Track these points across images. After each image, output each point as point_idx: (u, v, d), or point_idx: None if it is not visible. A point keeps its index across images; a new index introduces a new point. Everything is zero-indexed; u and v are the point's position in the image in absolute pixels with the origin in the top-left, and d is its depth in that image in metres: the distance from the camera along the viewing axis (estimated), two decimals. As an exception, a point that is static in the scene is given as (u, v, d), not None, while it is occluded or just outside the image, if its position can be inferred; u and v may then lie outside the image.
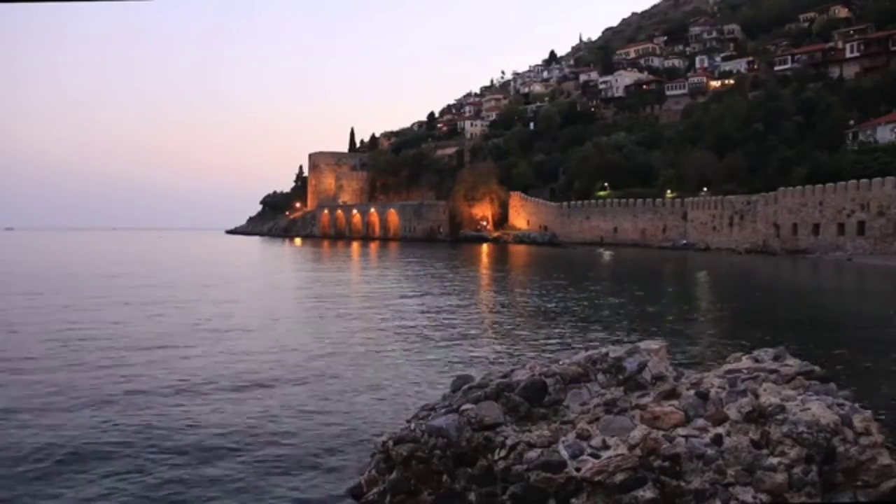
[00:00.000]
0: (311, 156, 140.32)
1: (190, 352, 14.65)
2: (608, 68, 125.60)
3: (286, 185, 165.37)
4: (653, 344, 6.12)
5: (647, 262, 54.16)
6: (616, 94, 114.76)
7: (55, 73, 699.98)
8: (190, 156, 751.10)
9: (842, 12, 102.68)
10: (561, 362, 6.00)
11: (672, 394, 5.39)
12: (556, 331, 17.84)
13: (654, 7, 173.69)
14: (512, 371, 6.08)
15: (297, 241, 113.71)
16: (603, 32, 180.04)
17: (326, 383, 11.87)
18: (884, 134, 65.74)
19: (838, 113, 72.43)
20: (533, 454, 5.12)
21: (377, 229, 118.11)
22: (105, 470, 7.54)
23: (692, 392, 5.38)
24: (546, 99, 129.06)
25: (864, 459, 4.81)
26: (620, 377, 5.69)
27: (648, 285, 33.22)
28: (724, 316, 22.18)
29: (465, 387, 6.05)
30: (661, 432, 5.01)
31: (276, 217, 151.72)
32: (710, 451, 4.85)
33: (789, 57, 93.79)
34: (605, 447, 5.02)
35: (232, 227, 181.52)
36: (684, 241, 74.18)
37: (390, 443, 5.64)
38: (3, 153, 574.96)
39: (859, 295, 31.14)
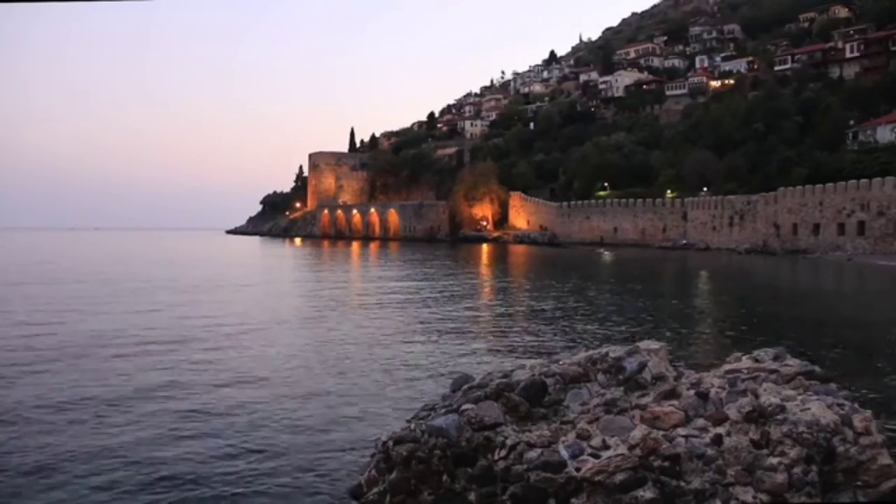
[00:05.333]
0: (311, 156, 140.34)
1: (190, 351, 14.65)
2: (608, 68, 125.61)
3: (286, 185, 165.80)
4: (653, 344, 6.11)
5: (647, 262, 54.16)
6: (616, 94, 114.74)
7: (55, 71, 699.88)
8: (190, 155, 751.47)
9: (842, 12, 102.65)
10: (561, 362, 5.99)
11: (672, 394, 5.39)
12: (557, 331, 17.84)
13: (654, 7, 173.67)
14: (512, 371, 6.08)
15: (297, 241, 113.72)
16: (603, 32, 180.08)
17: (326, 383, 11.87)
18: (884, 134, 65.73)
19: (838, 113, 72.42)
20: (533, 454, 5.12)
21: (377, 229, 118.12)
22: (104, 469, 7.54)
23: (692, 392, 5.38)
24: (546, 99, 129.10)
25: (864, 459, 4.81)
26: (620, 377, 5.68)
27: (648, 285, 33.22)
28: (724, 316, 22.18)
29: (465, 387, 6.04)
30: (661, 432, 5.00)
31: (277, 217, 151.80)
32: (710, 451, 4.85)
33: (789, 57, 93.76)
34: (605, 447, 5.02)
35: (232, 227, 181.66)
36: (684, 241, 74.18)
37: (390, 443, 5.63)
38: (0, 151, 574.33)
39: (859, 295, 31.13)
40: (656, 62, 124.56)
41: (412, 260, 55.40)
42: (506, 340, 16.48)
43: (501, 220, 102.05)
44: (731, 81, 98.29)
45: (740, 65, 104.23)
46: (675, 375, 5.77)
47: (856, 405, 5.17)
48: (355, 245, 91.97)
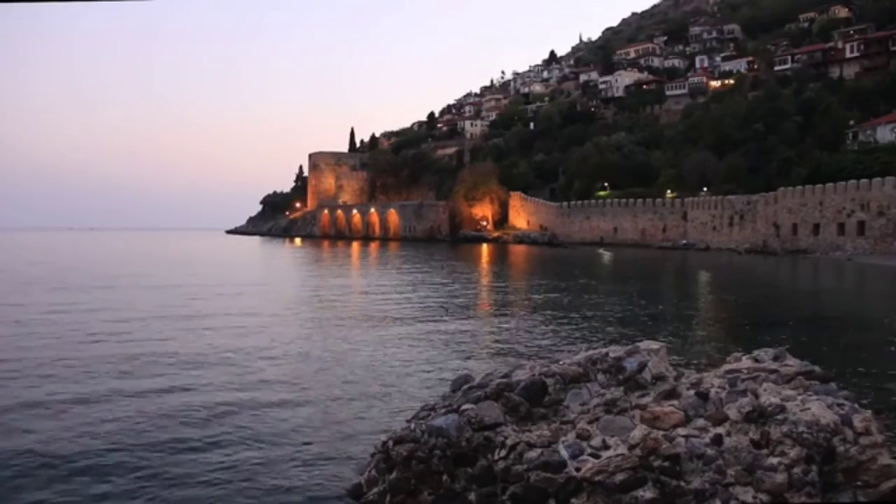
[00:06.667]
0: (311, 156, 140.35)
1: (189, 351, 14.65)
2: (608, 68, 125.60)
3: (286, 185, 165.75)
4: (653, 344, 6.12)
5: (648, 262, 54.15)
6: (616, 94, 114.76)
7: (56, 71, 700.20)
8: (190, 155, 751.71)
9: (842, 12, 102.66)
10: (561, 362, 5.99)
11: (672, 394, 5.39)
12: (557, 331, 17.84)
13: (654, 7, 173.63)
14: (512, 371, 6.08)
15: (297, 241, 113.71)
16: (603, 32, 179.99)
17: (326, 383, 11.87)
18: (884, 134, 65.71)
19: (838, 113, 72.38)
20: (533, 454, 5.12)
21: (377, 229, 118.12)
22: (103, 471, 7.54)
23: (692, 392, 5.38)
24: (546, 99, 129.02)
25: (864, 459, 4.81)
26: (620, 377, 5.68)
27: (648, 285, 33.22)
28: (724, 316, 22.18)
29: (465, 387, 6.04)
30: (661, 432, 5.01)
31: (277, 217, 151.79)
32: (710, 451, 4.85)
33: (789, 57, 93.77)
34: (605, 447, 5.02)
35: (232, 227, 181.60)
36: (684, 241, 74.16)
37: (390, 443, 5.64)
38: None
39: (859, 295, 31.13)
40: (656, 62, 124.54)
41: (412, 260, 55.40)
42: (506, 340, 16.49)
43: (501, 220, 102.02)
44: (731, 81, 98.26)
45: (740, 65, 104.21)
46: (675, 375, 5.78)
47: (856, 405, 5.17)
48: (355, 245, 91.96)
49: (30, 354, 14.12)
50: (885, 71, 76.96)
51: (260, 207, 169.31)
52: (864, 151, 64.17)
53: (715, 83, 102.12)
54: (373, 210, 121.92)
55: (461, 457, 5.31)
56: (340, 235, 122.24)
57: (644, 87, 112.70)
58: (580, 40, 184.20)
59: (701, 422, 5.10)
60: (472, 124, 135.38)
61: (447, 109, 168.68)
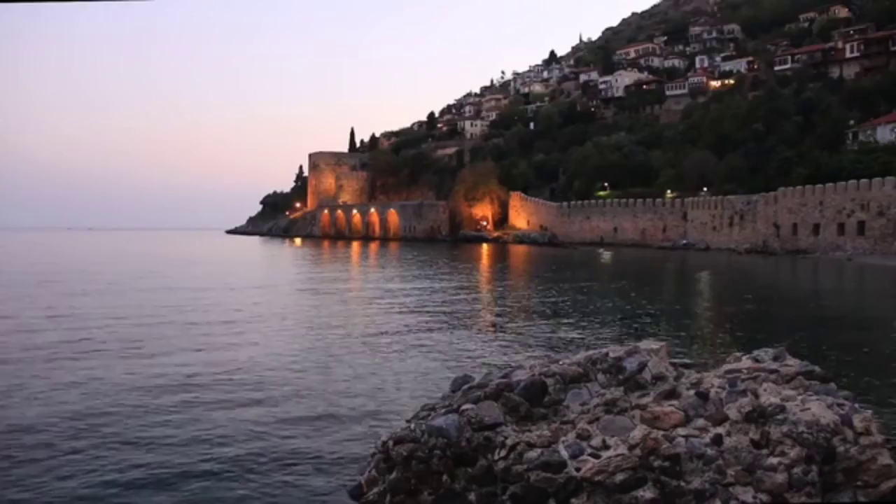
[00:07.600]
0: (311, 156, 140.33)
1: (188, 350, 14.65)
2: (608, 68, 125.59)
3: (286, 185, 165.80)
4: (653, 344, 6.12)
5: (648, 262, 54.15)
6: (616, 94, 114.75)
7: (55, 71, 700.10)
8: (190, 155, 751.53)
9: (842, 12, 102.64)
10: (561, 362, 5.99)
11: (672, 394, 5.39)
12: (556, 331, 17.84)
13: (654, 7, 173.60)
14: (512, 371, 6.07)
15: (297, 241, 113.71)
16: (603, 32, 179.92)
17: (326, 383, 11.87)
18: (884, 134, 65.70)
19: (838, 113, 72.37)
20: (533, 454, 5.12)
21: (377, 229, 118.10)
22: (103, 469, 7.55)
23: (692, 392, 5.38)
24: (546, 99, 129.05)
25: (864, 459, 4.81)
26: (620, 377, 5.68)
27: (649, 285, 33.21)
28: (724, 316, 22.17)
29: (465, 387, 6.03)
30: (661, 432, 5.00)
31: (277, 217, 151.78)
32: (710, 451, 4.85)
33: (789, 57, 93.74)
34: (605, 447, 5.02)
35: (232, 227, 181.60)
36: (684, 241, 74.15)
37: (390, 443, 5.63)
38: None
39: (859, 295, 31.13)
40: (656, 62, 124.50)
41: (412, 260, 55.40)
42: (506, 340, 16.48)
43: (501, 220, 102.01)
44: (731, 81, 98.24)
45: (740, 65, 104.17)
46: (675, 375, 5.78)
47: (856, 405, 5.17)
48: (355, 245, 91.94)
49: (30, 358, 14.13)
50: (885, 71, 76.95)
51: (260, 207, 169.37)
52: (864, 151, 64.16)
53: (715, 83, 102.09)
54: (373, 210, 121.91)
55: (461, 457, 5.30)
56: (340, 235, 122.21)
57: (644, 87, 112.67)
58: (580, 40, 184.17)
59: (701, 422, 5.10)
60: (472, 124, 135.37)
61: (447, 109, 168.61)
